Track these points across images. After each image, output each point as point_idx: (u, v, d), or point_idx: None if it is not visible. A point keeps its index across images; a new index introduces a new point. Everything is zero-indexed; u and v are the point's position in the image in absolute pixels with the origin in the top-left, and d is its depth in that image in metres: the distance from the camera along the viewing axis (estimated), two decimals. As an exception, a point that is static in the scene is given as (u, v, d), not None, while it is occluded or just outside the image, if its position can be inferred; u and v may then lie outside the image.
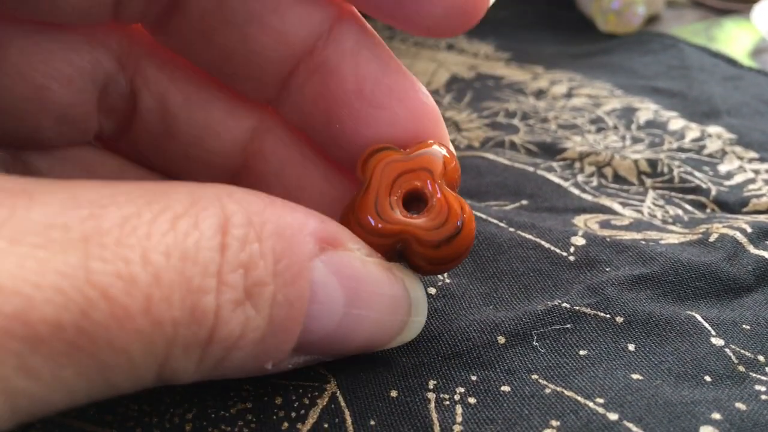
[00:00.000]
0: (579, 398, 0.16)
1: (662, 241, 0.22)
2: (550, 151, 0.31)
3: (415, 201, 0.16)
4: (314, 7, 0.16)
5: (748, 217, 0.24)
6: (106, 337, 0.10)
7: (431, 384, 0.16)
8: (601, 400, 0.16)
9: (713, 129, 0.33)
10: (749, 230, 0.22)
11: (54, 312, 0.10)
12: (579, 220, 0.24)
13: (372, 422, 0.15)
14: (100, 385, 0.11)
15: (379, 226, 0.15)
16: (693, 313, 0.19)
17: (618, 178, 0.28)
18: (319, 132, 0.18)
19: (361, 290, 0.14)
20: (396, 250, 0.15)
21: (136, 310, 0.11)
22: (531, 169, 0.29)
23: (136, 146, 0.19)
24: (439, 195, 0.15)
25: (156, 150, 0.19)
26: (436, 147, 0.16)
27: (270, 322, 0.13)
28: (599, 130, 0.34)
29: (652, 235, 0.23)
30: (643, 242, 0.22)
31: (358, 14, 0.17)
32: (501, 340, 0.18)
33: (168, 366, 0.12)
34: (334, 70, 0.17)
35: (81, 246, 0.10)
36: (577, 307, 0.19)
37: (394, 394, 0.16)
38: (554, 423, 0.15)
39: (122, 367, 0.11)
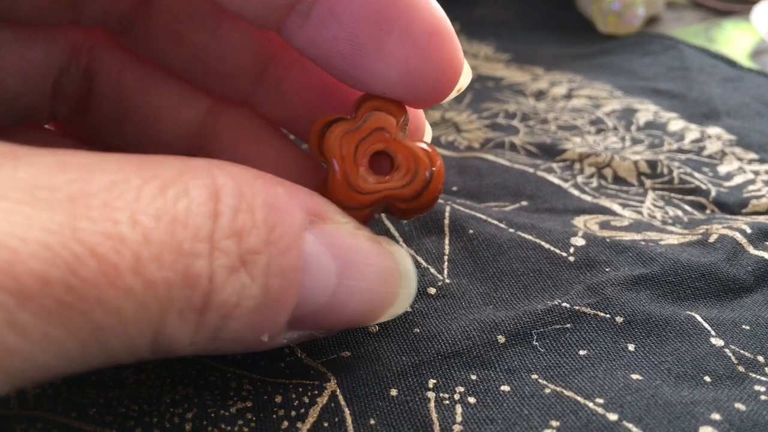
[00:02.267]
0: (579, 398, 0.16)
1: (662, 242, 0.22)
2: (550, 152, 0.31)
3: (382, 158, 0.16)
4: None
5: (748, 218, 0.24)
6: (97, 296, 0.10)
7: (431, 383, 0.16)
8: (600, 401, 0.16)
9: (713, 130, 0.33)
10: (749, 231, 0.22)
11: (41, 267, 0.10)
12: (579, 221, 0.24)
13: (372, 421, 0.15)
14: (95, 349, 0.11)
15: (359, 199, 0.16)
16: (693, 314, 0.19)
17: (618, 179, 0.28)
18: (300, 125, 0.18)
19: (352, 261, 0.14)
20: (380, 210, 0.16)
21: (125, 268, 0.11)
22: (531, 170, 0.29)
23: (92, 129, 0.20)
24: (400, 151, 0.16)
25: (111, 132, 0.19)
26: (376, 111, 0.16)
27: (265, 291, 0.13)
28: (599, 131, 0.34)
29: (652, 235, 0.23)
30: (643, 243, 0.22)
31: None
32: (501, 339, 0.18)
33: (163, 333, 0.12)
34: (311, 64, 0.17)
35: (67, 206, 0.10)
36: (577, 307, 0.19)
37: (394, 393, 0.16)
38: (554, 423, 0.15)
39: (116, 330, 0.11)
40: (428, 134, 0.19)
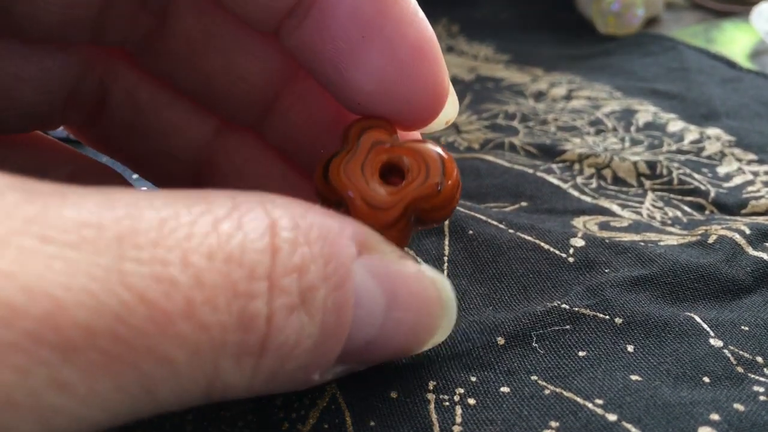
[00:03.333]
0: (578, 399, 0.16)
1: (661, 243, 0.22)
2: (549, 152, 0.31)
3: (391, 173, 0.16)
4: None
5: (747, 219, 0.24)
6: (146, 344, 0.10)
7: (431, 385, 0.16)
8: (600, 401, 0.16)
9: (712, 131, 0.33)
10: (748, 232, 0.22)
11: (86, 317, 0.09)
12: (578, 222, 0.24)
13: (372, 423, 0.15)
14: (144, 400, 0.10)
15: (387, 216, 0.15)
16: (692, 315, 0.19)
17: (617, 180, 0.28)
18: (304, 154, 0.18)
19: (399, 293, 0.14)
20: (412, 222, 0.16)
21: (176, 313, 0.10)
22: (530, 170, 0.29)
23: (105, 135, 0.20)
24: (404, 154, 0.16)
25: (123, 141, 0.19)
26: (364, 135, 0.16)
27: (322, 329, 0.12)
28: (598, 132, 0.34)
29: (651, 236, 0.23)
30: (642, 244, 0.22)
31: None
32: (500, 341, 0.18)
33: (218, 379, 0.11)
34: (321, 96, 0.17)
35: (115, 246, 0.10)
36: (577, 309, 0.19)
37: (393, 394, 0.16)
38: (553, 424, 0.15)
39: (166, 379, 0.10)
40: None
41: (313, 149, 0.18)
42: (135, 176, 0.28)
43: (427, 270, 0.15)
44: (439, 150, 0.16)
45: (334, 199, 0.16)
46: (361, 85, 0.15)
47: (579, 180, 0.28)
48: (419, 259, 0.15)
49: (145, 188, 0.26)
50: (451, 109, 0.16)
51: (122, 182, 0.21)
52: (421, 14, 0.15)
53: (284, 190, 0.19)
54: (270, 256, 0.11)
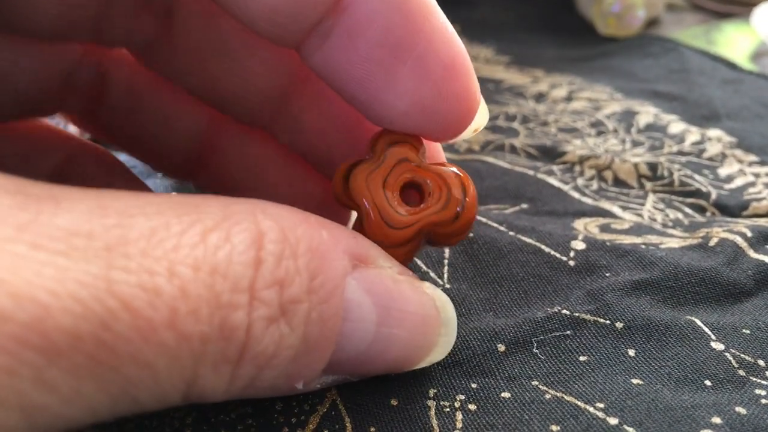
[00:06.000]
0: (579, 403, 0.16)
1: (662, 246, 0.22)
2: (550, 154, 0.31)
3: (411, 191, 0.16)
4: None
5: (748, 221, 0.24)
6: (129, 351, 0.10)
7: (431, 392, 0.16)
8: (601, 405, 0.16)
9: (713, 132, 0.33)
10: (749, 234, 0.22)
11: (72, 322, 0.09)
12: (579, 224, 0.24)
13: (372, 429, 0.15)
14: (124, 401, 0.10)
15: (399, 235, 0.15)
16: (693, 318, 0.19)
17: (618, 182, 0.28)
18: (318, 157, 0.18)
19: (393, 309, 0.14)
20: (422, 243, 0.16)
21: (160, 322, 0.10)
22: (531, 172, 0.29)
23: (104, 122, 0.20)
24: (428, 177, 0.16)
25: (121, 127, 0.20)
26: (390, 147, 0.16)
27: (304, 341, 0.12)
28: (599, 133, 0.34)
29: (652, 239, 0.23)
30: (643, 246, 0.22)
31: None
32: (501, 348, 0.18)
33: (197, 384, 0.11)
34: (335, 99, 0.16)
35: (104, 255, 0.10)
36: (577, 314, 0.19)
37: (394, 402, 0.16)
38: (554, 428, 0.15)
39: (147, 384, 0.10)
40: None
41: (327, 151, 0.18)
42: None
43: (427, 288, 0.15)
44: (462, 179, 0.16)
45: (348, 204, 0.16)
46: (394, 106, 0.15)
47: (580, 182, 0.28)
48: (418, 278, 0.15)
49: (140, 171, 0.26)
50: (480, 118, 0.16)
51: (117, 164, 0.21)
52: (451, 29, 0.15)
53: (289, 186, 0.19)
54: (253, 268, 0.11)
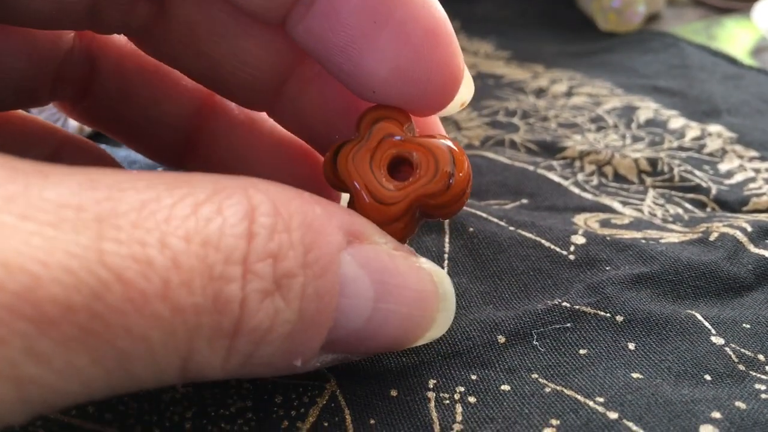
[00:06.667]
0: (579, 397, 0.16)
1: (662, 240, 0.22)
2: (550, 149, 0.31)
3: (401, 166, 0.16)
4: None
5: (749, 216, 0.24)
6: (122, 323, 0.10)
7: (431, 383, 0.16)
8: (601, 399, 0.16)
9: (713, 128, 0.33)
10: (749, 229, 0.22)
11: (63, 293, 0.09)
12: (579, 219, 0.24)
13: (372, 421, 0.15)
14: (120, 376, 0.10)
15: (390, 211, 0.15)
16: (693, 312, 0.19)
17: (618, 177, 0.28)
18: (318, 138, 0.18)
19: (390, 284, 0.14)
20: (417, 216, 0.16)
21: (153, 294, 0.10)
22: (531, 167, 0.29)
23: (95, 108, 0.20)
24: (414, 149, 0.15)
25: (114, 112, 0.19)
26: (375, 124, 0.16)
27: (300, 316, 0.12)
28: (599, 128, 0.34)
29: (653, 234, 0.23)
30: (643, 241, 0.22)
31: None
32: (501, 339, 0.18)
33: (192, 360, 0.11)
34: (331, 79, 0.16)
35: (94, 226, 0.10)
36: (577, 306, 0.19)
37: (393, 393, 0.16)
38: (554, 422, 0.15)
39: (142, 357, 0.10)
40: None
41: (326, 132, 0.18)
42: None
43: (424, 263, 0.15)
44: (450, 144, 0.15)
45: (338, 186, 0.16)
46: (375, 72, 0.15)
47: (580, 177, 0.28)
48: (416, 253, 0.15)
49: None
50: (466, 91, 0.16)
51: (104, 156, 0.21)
52: None
53: (279, 170, 0.19)
54: (246, 241, 0.11)
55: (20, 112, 0.20)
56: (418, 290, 0.14)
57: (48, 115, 0.29)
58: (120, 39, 0.19)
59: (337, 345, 0.14)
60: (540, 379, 0.16)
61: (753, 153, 0.30)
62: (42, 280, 0.09)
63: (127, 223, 0.10)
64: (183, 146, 0.20)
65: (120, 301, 0.10)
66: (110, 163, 0.21)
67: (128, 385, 0.11)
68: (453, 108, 0.16)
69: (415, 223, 0.16)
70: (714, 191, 0.27)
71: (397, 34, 0.14)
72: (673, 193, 0.27)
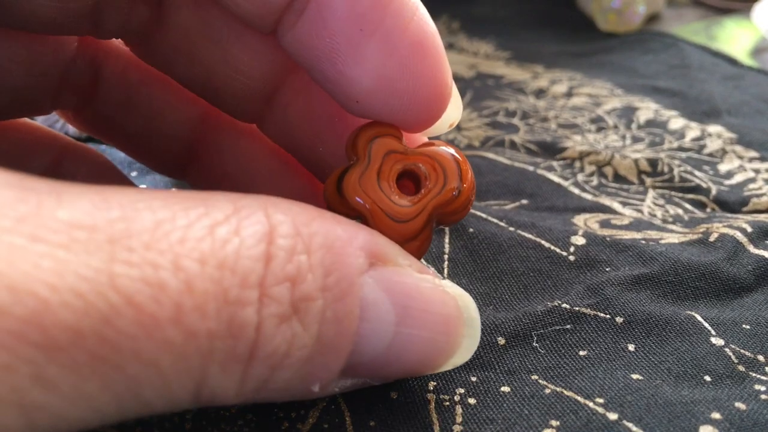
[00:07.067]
0: (579, 398, 0.16)
1: (662, 241, 0.22)
2: (550, 150, 0.31)
3: (405, 181, 0.16)
4: None
5: (749, 217, 0.24)
6: (132, 348, 0.10)
7: (431, 385, 0.16)
8: (600, 400, 0.16)
9: (713, 128, 0.33)
10: (749, 230, 0.22)
11: (72, 317, 0.09)
12: (579, 220, 0.24)
13: (372, 423, 0.15)
14: (131, 401, 0.10)
15: (409, 228, 0.15)
16: (693, 313, 0.19)
17: (618, 178, 0.28)
18: (303, 152, 0.18)
19: (413, 308, 0.13)
20: (433, 230, 0.15)
21: (164, 318, 0.10)
22: (531, 168, 0.29)
23: (98, 117, 0.20)
24: (419, 161, 0.15)
25: (117, 121, 0.19)
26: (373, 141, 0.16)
27: (318, 340, 0.12)
28: (599, 129, 0.34)
29: (652, 234, 0.23)
30: (643, 242, 0.22)
31: None
32: (501, 341, 0.18)
33: (206, 385, 0.11)
34: (320, 92, 0.16)
35: (107, 248, 0.10)
36: (577, 308, 0.19)
37: (393, 395, 0.16)
38: (554, 423, 0.15)
39: (153, 382, 0.10)
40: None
41: (311, 144, 0.18)
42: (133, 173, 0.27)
43: (448, 286, 0.14)
44: (452, 152, 0.15)
45: (347, 214, 0.15)
46: (360, 82, 0.15)
47: (580, 177, 0.28)
48: (440, 276, 0.15)
49: (135, 176, 0.26)
50: (454, 110, 0.16)
51: (108, 165, 0.21)
52: (422, 9, 0.15)
53: (281, 183, 0.19)
54: (263, 263, 0.11)
55: (23, 119, 0.19)
56: (442, 315, 0.14)
57: (46, 118, 0.29)
58: (123, 48, 0.18)
59: (357, 370, 0.13)
60: (540, 381, 0.16)
61: (753, 153, 0.30)
62: (50, 305, 0.09)
63: (140, 245, 0.10)
64: (185, 156, 0.20)
65: (130, 325, 0.10)
66: (113, 172, 0.21)
67: (139, 410, 0.10)
68: (441, 128, 0.16)
69: (431, 237, 0.16)
70: (714, 192, 0.27)
71: (384, 43, 0.14)
72: (673, 193, 0.27)
